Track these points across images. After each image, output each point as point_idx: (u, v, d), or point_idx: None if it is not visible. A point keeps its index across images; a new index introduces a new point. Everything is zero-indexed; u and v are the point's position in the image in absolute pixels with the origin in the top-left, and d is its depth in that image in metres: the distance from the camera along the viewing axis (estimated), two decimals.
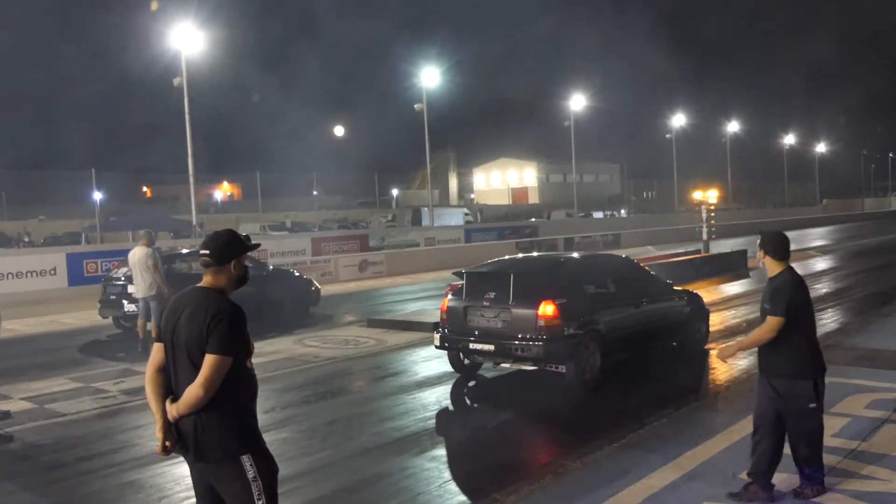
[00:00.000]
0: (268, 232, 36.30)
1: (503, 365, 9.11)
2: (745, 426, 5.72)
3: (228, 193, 76.85)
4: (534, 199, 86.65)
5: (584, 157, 73.11)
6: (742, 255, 22.08)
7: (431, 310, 14.75)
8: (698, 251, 22.77)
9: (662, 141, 66.58)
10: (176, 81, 27.18)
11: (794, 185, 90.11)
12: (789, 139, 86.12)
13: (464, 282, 9.15)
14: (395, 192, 73.83)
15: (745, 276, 20.25)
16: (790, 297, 4.74)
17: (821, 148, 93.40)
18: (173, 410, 3.28)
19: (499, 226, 42.02)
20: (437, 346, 9.21)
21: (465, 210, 55.63)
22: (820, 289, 17.61)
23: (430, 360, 10.37)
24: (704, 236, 22.96)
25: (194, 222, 29.10)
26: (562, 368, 8.38)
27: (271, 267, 15.22)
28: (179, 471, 6.19)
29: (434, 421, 7.63)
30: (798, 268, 19.24)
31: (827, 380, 7.89)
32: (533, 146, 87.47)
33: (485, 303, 8.69)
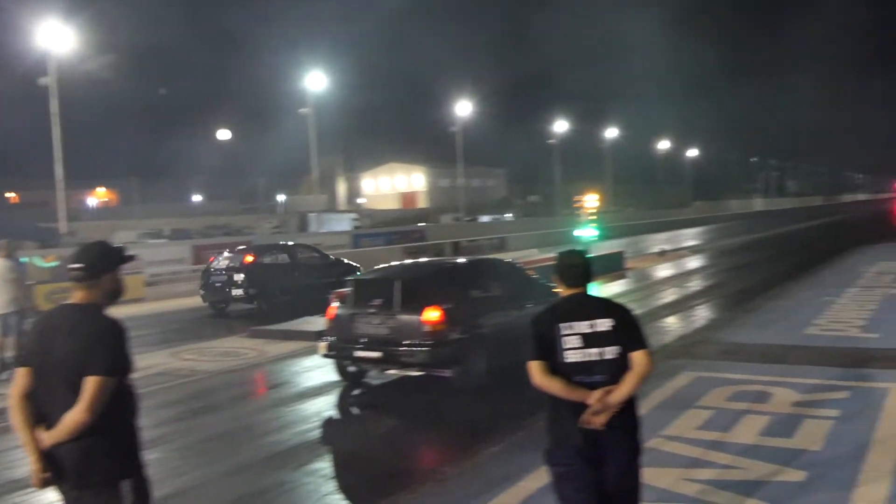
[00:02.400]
0: (145, 240, 34.73)
1: (390, 372, 9.06)
2: None
3: (105, 199, 73.35)
4: (423, 203, 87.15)
5: (472, 161, 74.31)
6: (619, 256, 22.95)
7: (315, 318, 14.50)
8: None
9: (546, 146, 68.57)
10: (42, 81, 25.66)
11: (668, 187, 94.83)
12: (664, 144, 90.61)
13: (350, 289, 9.07)
14: (281, 197, 72.47)
15: (623, 276, 21.06)
16: (533, 335, 3.55)
17: (692, 153, 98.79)
18: (48, 438, 3.05)
19: (387, 231, 41.96)
20: (323, 355, 9.08)
21: (354, 215, 55.22)
22: (691, 287, 18.55)
23: (313, 370, 10.17)
24: (586, 238, 23.75)
25: (63, 230, 27.54)
26: (447, 373, 8.41)
27: (332, 257, 19.22)
28: (36, 500, 5.78)
29: (314, 433, 7.47)
30: (672, 267, 20.03)
31: (695, 374, 8.38)
32: (422, 151, 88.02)
33: (371, 310, 8.66)
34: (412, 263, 11.60)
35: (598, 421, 3.35)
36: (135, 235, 36.57)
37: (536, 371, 3.47)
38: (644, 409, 6.86)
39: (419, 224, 50.16)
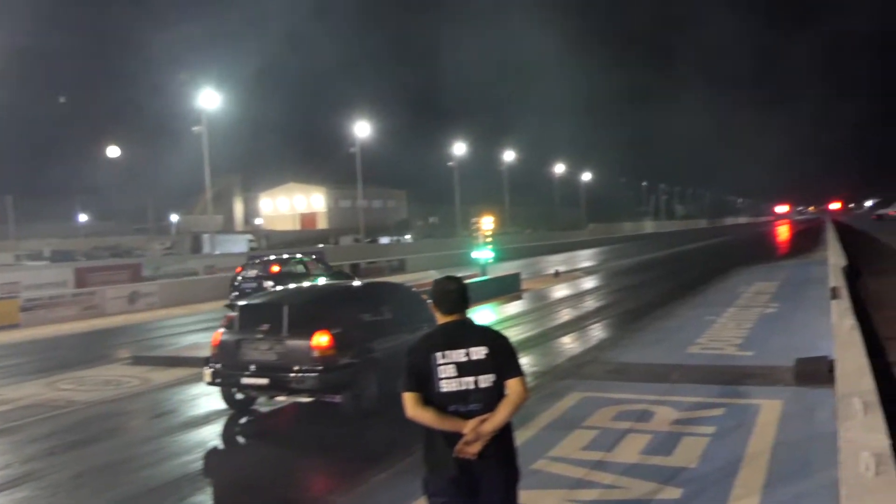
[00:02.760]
0: (22, 262, 32.75)
1: (279, 398, 8.82)
2: None
3: None
4: (323, 224, 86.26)
5: (373, 182, 74.23)
6: (516, 277, 23.34)
7: (205, 343, 14.02)
8: (476, 274, 23.76)
9: (446, 168, 69.28)
10: None
11: (565, 210, 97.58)
12: (560, 168, 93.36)
13: (237, 314, 8.81)
14: (174, 217, 70.09)
15: (519, 297, 21.42)
16: (407, 365, 3.50)
17: (587, 176, 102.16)
18: None
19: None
20: (208, 383, 8.76)
21: (250, 236, 54.00)
22: (584, 307, 19.04)
23: (200, 398, 9.81)
24: (482, 260, 24.10)
25: None
26: (338, 399, 8.27)
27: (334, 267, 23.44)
28: None
29: (198, 464, 7.16)
30: (567, 288, 20.49)
31: (583, 394, 8.56)
32: (322, 171, 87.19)
33: (258, 335, 8.38)
34: (301, 287, 11.40)
35: (472, 451, 3.35)
36: (11, 257, 34.44)
37: (409, 403, 3.43)
38: (532, 430, 7.00)
39: (318, 246, 49.57)
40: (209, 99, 38.34)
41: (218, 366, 8.62)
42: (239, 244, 47.22)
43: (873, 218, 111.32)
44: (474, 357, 3.43)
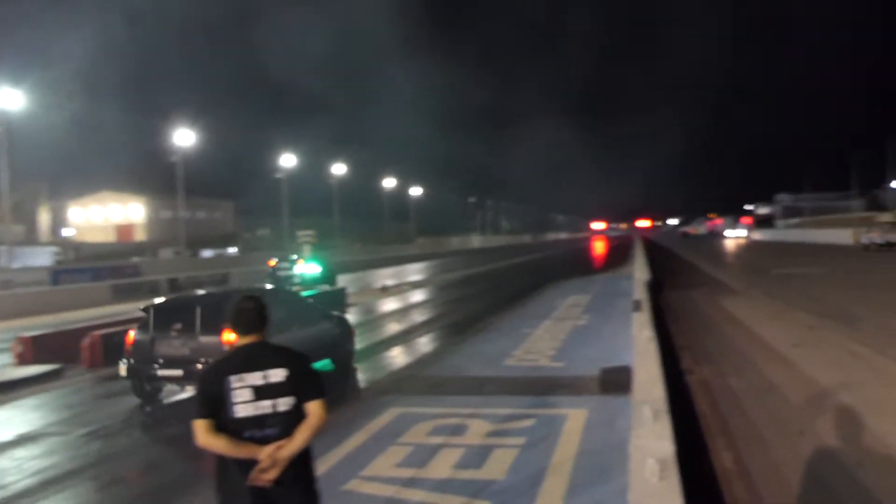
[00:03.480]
0: None
1: (189, 388, 9.52)
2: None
3: None
4: (141, 236, 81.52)
5: (197, 193, 71.12)
6: (342, 292, 23.14)
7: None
8: (301, 287, 23.33)
9: (276, 180, 67.77)
10: None
11: (394, 223, 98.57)
12: (390, 182, 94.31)
13: (150, 316, 9.85)
14: None
15: (345, 312, 21.21)
16: (198, 391, 3.41)
17: (416, 191, 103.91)
18: None
19: (94, 266, 38.41)
20: (122, 377, 9.83)
21: (56, 249, 49.85)
22: (408, 321, 19.20)
23: None
24: (310, 275, 23.71)
25: None
26: None
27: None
28: None
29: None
30: (393, 302, 20.53)
31: (401, 410, 8.55)
32: (140, 179, 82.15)
33: (173, 333, 9.52)
34: (209, 293, 12.35)
35: (268, 478, 3.22)
36: None
37: (200, 431, 3.26)
38: (347, 448, 6.91)
39: (134, 259, 46.69)
40: (9, 98, 35.16)
41: (132, 361, 9.67)
42: (42, 257, 43.37)
43: (679, 234, 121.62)
44: (273, 380, 3.31)
